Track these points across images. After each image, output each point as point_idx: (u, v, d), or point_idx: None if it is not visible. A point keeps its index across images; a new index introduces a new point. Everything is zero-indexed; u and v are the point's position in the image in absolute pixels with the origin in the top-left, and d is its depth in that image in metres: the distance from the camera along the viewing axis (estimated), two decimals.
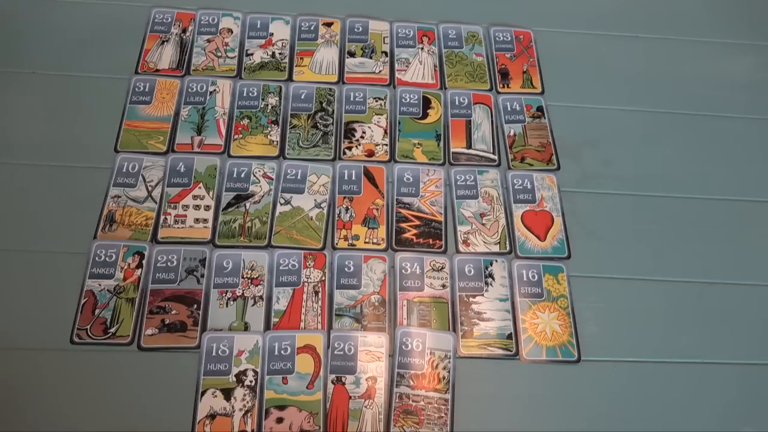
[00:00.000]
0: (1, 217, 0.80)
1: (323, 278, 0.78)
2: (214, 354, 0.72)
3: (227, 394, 0.71)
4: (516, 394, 0.75)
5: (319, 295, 0.77)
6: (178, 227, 0.80)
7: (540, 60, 0.99)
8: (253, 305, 0.76)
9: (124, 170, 0.84)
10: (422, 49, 0.98)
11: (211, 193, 0.83)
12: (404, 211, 0.84)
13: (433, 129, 0.91)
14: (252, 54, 0.95)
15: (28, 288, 0.76)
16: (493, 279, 0.80)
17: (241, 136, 0.88)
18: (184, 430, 0.69)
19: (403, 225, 0.83)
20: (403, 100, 0.93)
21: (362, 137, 0.89)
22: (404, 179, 0.86)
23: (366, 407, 0.72)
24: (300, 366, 0.73)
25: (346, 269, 0.79)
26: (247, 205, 0.83)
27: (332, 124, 0.90)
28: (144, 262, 0.77)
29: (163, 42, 0.95)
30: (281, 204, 0.83)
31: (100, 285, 0.76)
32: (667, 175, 0.90)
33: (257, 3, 1.00)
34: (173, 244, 0.79)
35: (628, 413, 0.75)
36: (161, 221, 0.80)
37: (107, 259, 0.77)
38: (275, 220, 0.82)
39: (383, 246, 0.81)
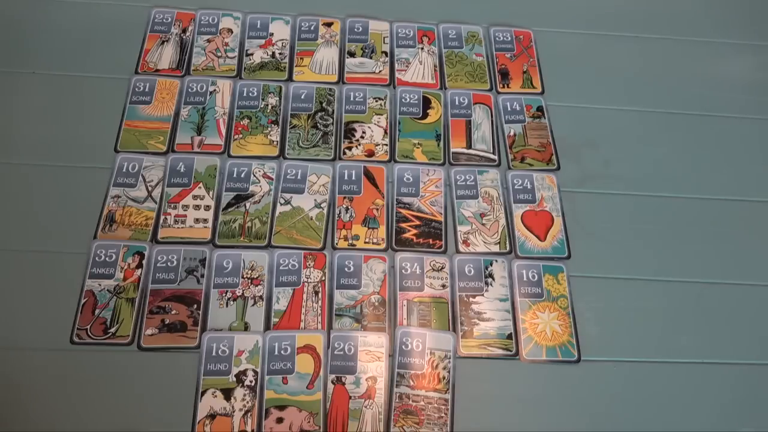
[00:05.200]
0: (1, 217, 0.80)
1: (323, 278, 0.78)
2: (214, 354, 0.72)
3: (227, 394, 0.71)
4: (516, 394, 0.75)
5: (319, 295, 0.77)
6: (178, 227, 0.80)
7: (540, 60, 0.99)
8: (253, 305, 0.76)
9: (124, 170, 0.84)
10: (422, 49, 0.98)
11: (211, 193, 0.83)
12: (404, 211, 0.84)
13: (433, 129, 0.91)
14: (252, 54, 0.95)
15: (28, 288, 0.76)
16: (493, 279, 0.80)
17: (241, 136, 0.88)
18: (184, 430, 0.69)
19: (403, 225, 0.83)
20: (403, 100, 0.93)
21: (362, 137, 0.89)
22: (404, 179, 0.86)
23: (366, 407, 0.72)
24: (300, 366, 0.73)
25: (346, 269, 0.79)
26: (247, 205, 0.83)
27: (332, 124, 0.90)
28: (144, 262, 0.77)
29: (163, 42, 0.95)
30: (281, 204, 0.83)
31: (100, 285, 0.76)
32: (667, 175, 0.90)
33: (257, 3, 1.00)
34: (173, 244, 0.79)
35: (628, 413, 0.75)
36: (161, 221, 0.80)
37: (107, 259, 0.77)
38: (275, 220, 0.82)
39: (383, 246, 0.81)
